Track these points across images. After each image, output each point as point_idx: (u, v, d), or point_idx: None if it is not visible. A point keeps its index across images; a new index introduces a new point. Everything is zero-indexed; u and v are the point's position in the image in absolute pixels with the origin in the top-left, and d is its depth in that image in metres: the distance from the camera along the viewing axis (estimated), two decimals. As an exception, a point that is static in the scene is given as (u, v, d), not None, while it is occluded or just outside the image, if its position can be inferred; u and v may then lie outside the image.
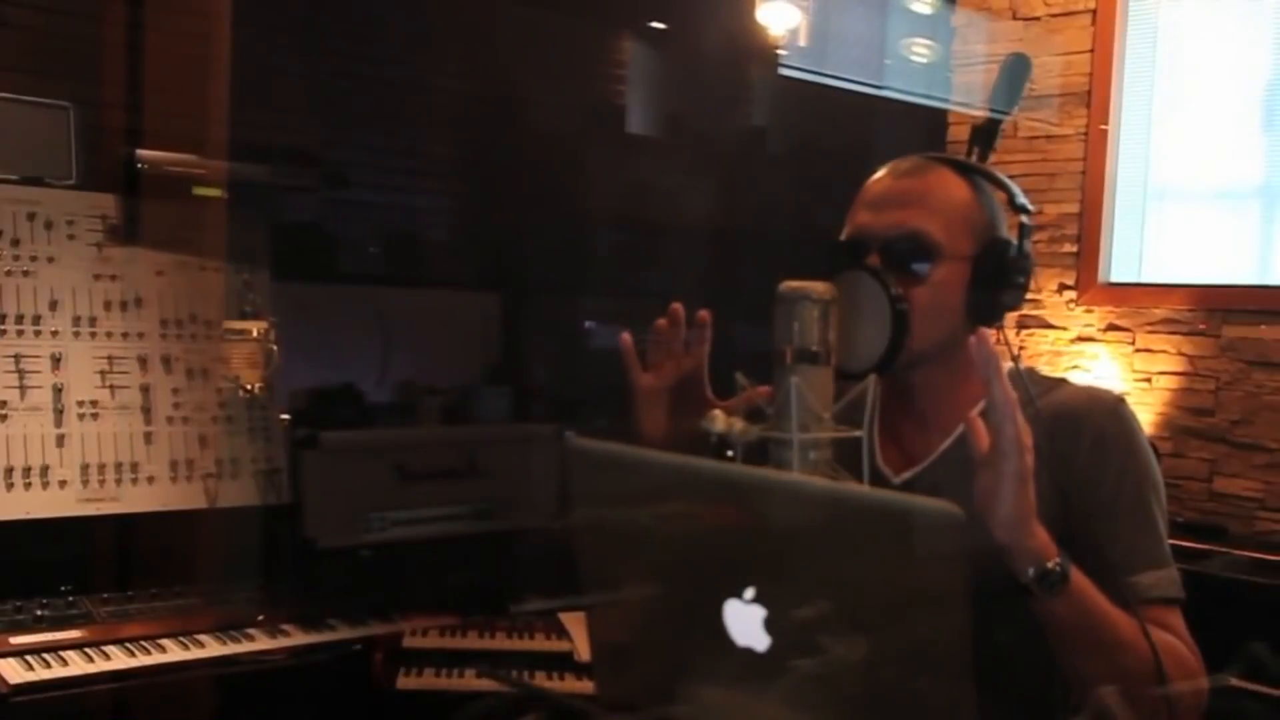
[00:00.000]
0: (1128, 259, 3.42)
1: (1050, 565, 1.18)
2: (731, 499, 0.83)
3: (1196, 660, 1.33)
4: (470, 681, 2.25)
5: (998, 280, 1.37)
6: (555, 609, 2.43)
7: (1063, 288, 3.40)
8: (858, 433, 1.14)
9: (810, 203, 3.04)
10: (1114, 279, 3.40)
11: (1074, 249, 3.40)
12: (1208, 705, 1.34)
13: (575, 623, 2.39)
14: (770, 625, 0.79)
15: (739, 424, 1.13)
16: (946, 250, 1.36)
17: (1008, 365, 1.36)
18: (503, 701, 1.73)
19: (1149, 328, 3.27)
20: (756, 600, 0.79)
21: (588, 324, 3.21)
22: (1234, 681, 2.28)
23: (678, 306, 1.45)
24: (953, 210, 1.39)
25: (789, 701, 0.78)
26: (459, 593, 2.43)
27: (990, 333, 1.46)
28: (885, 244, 1.36)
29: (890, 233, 1.37)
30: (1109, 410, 1.40)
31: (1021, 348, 1.38)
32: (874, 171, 1.46)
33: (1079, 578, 1.22)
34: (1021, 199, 1.42)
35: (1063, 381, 1.47)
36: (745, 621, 0.80)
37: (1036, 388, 1.42)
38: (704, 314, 1.45)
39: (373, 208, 2.89)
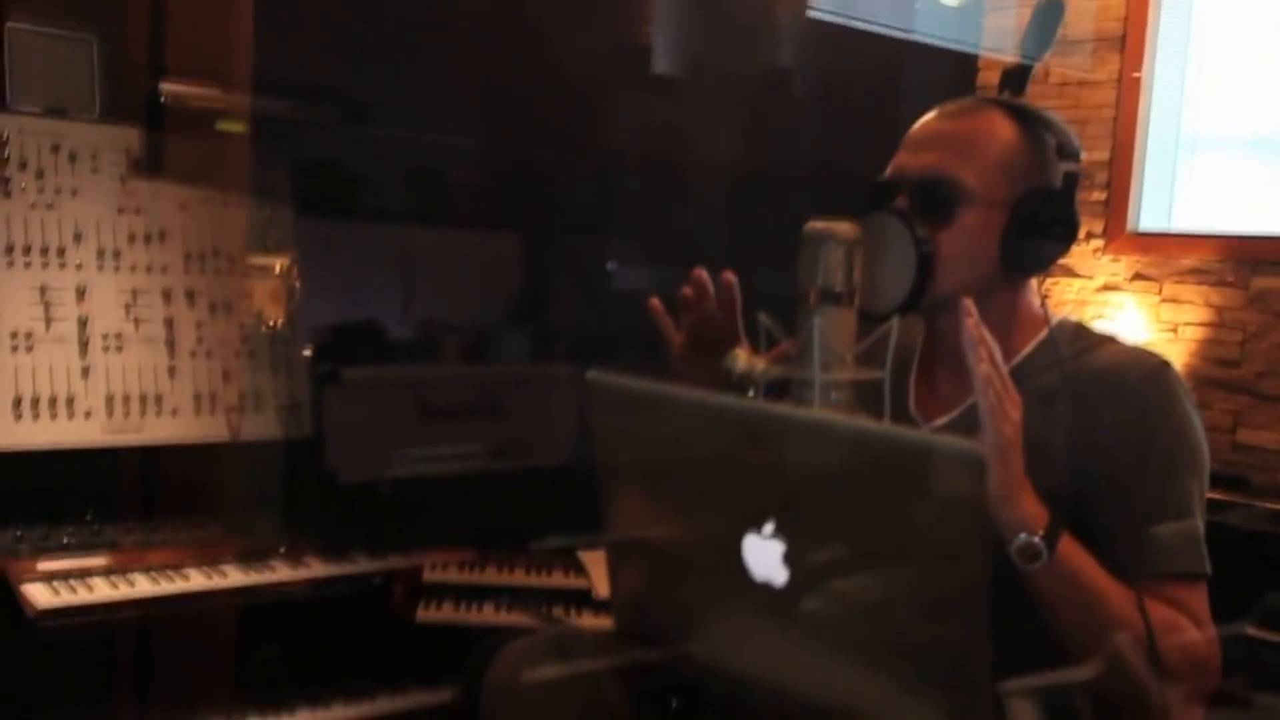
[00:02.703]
0: (1157, 208, 3.38)
1: (1032, 538, 1.17)
2: (752, 433, 0.83)
3: (1207, 644, 1.30)
4: (489, 615, 2.28)
5: (1036, 230, 1.34)
6: (573, 547, 2.44)
7: (1090, 236, 3.37)
8: (879, 374, 1.14)
9: (836, 146, 3.02)
10: (1143, 228, 3.36)
11: (1103, 197, 3.36)
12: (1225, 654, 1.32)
13: (593, 561, 2.40)
14: (789, 560, 0.79)
15: (760, 363, 1.13)
16: (979, 196, 1.33)
17: (1056, 319, 1.34)
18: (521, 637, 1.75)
19: (1176, 278, 3.24)
20: (776, 535, 0.80)
21: (610, 265, 3.20)
22: (1250, 631, 2.29)
23: (700, 272, 1.43)
24: (992, 155, 1.36)
25: (805, 636, 0.78)
26: (478, 529, 2.45)
27: (1034, 284, 1.44)
28: (915, 186, 1.34)
29: (921, 175, 1.35)
30: (1149, 374, 1.36)
31: (1045, 296, 1.36)
32: (914, 114, 1.44)
33: (1069, 551, 1.21)
34: (1071, 146, 1.38)
35: (1110, 340, 1.43)
36: (764, 556, 0.81)
37: (1081, 344, 1.40)
38: (729, 276, 1.43)
39: (395, 145, 2.88)
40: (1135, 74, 3.30)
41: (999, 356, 1.16)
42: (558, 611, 2.30)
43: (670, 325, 1.45)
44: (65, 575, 1.95)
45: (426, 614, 2.27)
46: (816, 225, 1.13)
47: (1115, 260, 3.34)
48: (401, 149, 2.89)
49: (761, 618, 0.82)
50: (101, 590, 1.94)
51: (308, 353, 2.45)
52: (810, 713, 0.84)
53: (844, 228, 1.13)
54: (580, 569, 2.40)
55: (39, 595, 1.87)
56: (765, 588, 0.81)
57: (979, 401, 1.14)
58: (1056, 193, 1.36)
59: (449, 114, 2.95)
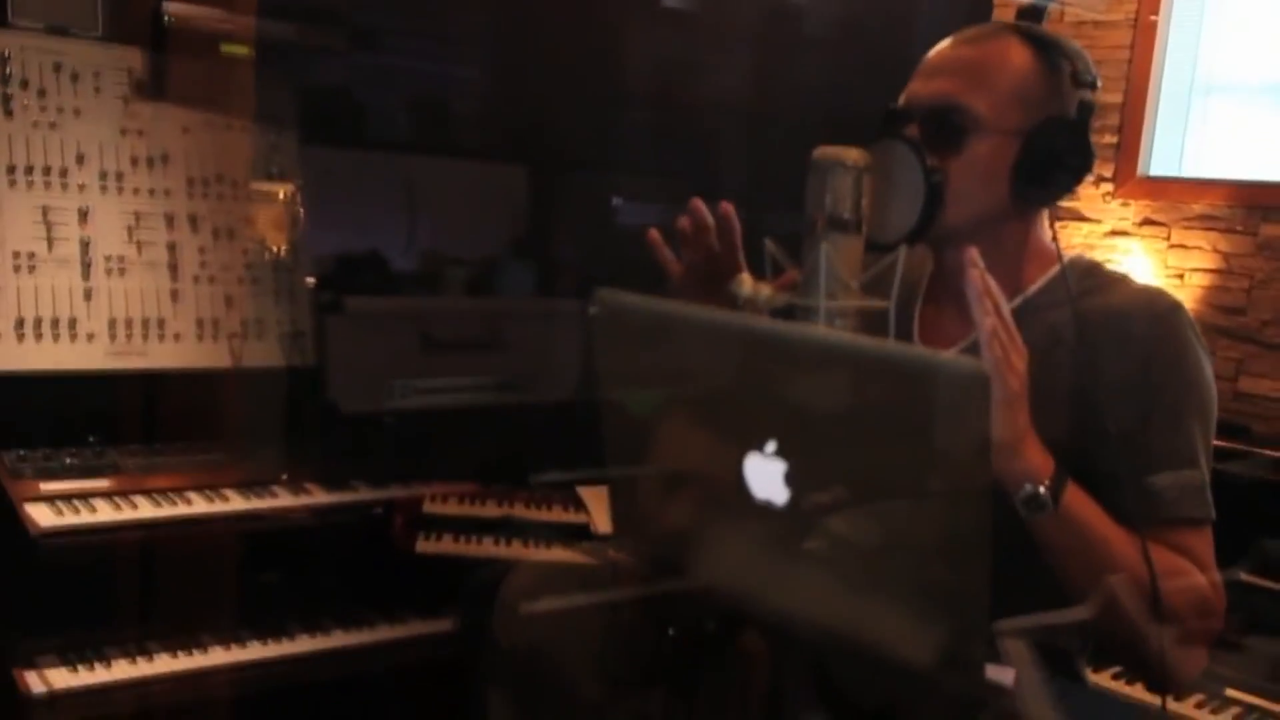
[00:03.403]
0: (1168, 153, 3.34)
1: (1037, 489, 1.17)
2: (758, 352, 0.82)
3: (1212, 589, 1.29)
4: (488, 548, 2.29)
5: (1050, 160, 1.31)
6: (573, 482, 2.45)
7: (1100, 180, 3.34)
8: (885, 303, 1.13)
9: (848, 84, 2.98)
10: (1153, 173, 3.33)
11: (1114, 140, 3.33)
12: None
13: (593, 497, 2.41)
14: (790, 480, 0.79)
15: (766, 289, 1.12)
16: (991, 124, 1.31)
17: (1069, 256, 1.32)
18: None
19: (1185, 223, 3.22)
20: (777, 454, 0.79)
21: (615, 201, 3.17)
22: (1245, 577, 2.30)
23: (697, 202, 1.41)
24: (1005, 82, 1.33)
25: (805, 558, 0.78)
26: (479, 462, 2.45)
27: (1046, 217, 1.41)
28: (926, 114, 1.32)
29: (932, 102, 1.32)
30: (1160, 314, 1.33)
31: (1057, 232, 1.35)
32: (928, 46, 1.41)
33: (1075, 500, 1.20)
34: (1088, 74, 1.35)
35: (1122, 280, 1.41)
36: (765, 476, 0.80)
37: (1092, 281, 1.38)
38: (726, 206, 1.41)
39: (402, 74, 2.84)
40: (1152, 16, 3.26)
41: (1005, 308, 1.14)
42: (557, 546, 2.31)
43: (669, 257, 1.44)
44: (68, 496, 1.96)
45: (426, 545, 2.28)
46: (826, 150, 1.12)
47: (1124, 205, 3.32)
48: (408, 78, 2.85)
49: (761, 539, 0.82)
50: (104, 512, 1.94)
51: (311, 281, 2.44)
52: (809, 636, 0.85)
53: (853, 154, 1.12)
54: (580, 505, 2.41)
55: (42, 515, 1.88)
56: (766, 509, 0.80)
57: (984, 354, 1.12)
58: (1071, 122, 1.33)
59: (457, 44, 2.91)
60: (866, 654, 0.77)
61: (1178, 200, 3.23)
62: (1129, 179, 3.32)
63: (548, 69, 2.97)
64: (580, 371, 2.68)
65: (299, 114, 2.41)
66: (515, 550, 2.30)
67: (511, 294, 2.86)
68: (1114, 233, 3.33)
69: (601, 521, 2.34)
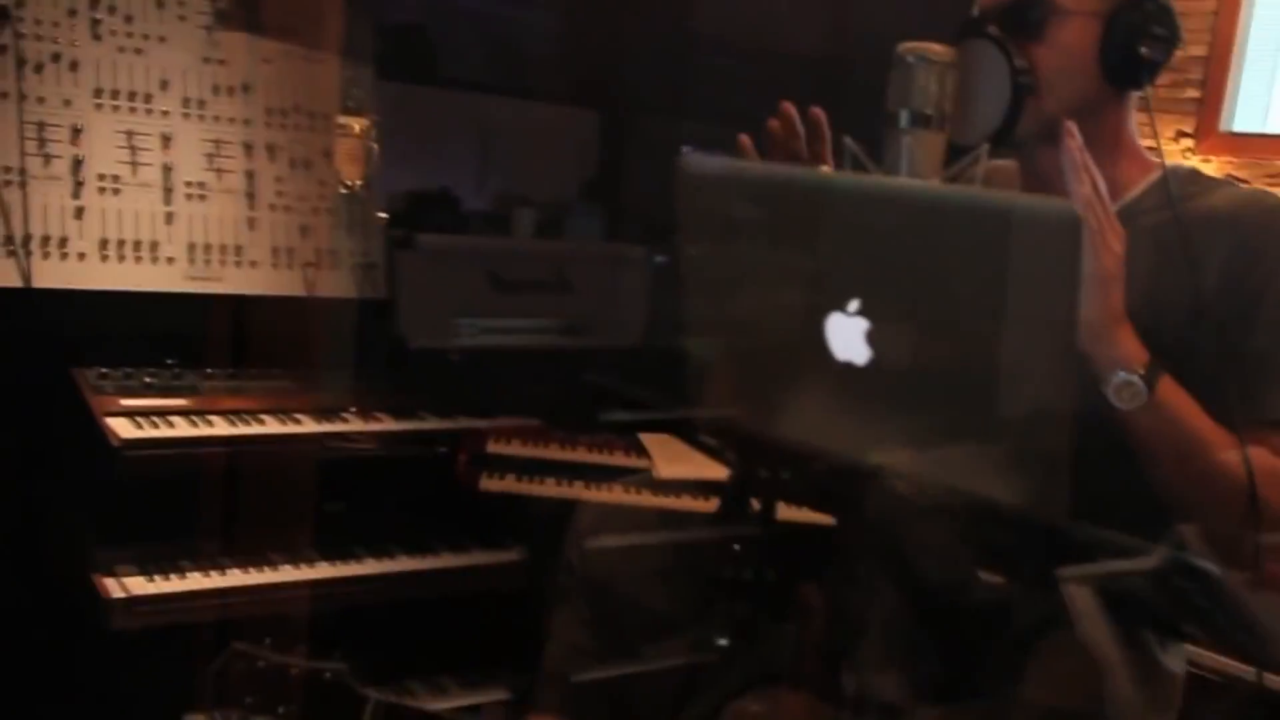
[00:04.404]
0: (1253, 110, 3.27)
1: (1131, 377, 1.14)
2: (839, 206, 0.82)
3: None
4: (549, 489, 2.30)
5: (1136, 36, 1.29)
6: (635, 427, 2.46)
7: (1180, 135, 3.27)
8: (967, 197, 1.11)
9: (922, 34, 2.94)
10: (1236, 129, 3.26)
11: (1197, 95, 3.26)
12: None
13: (654, 442, 2.42)
14: (873, 338, 0.79)
15: (846, 182, 1.11)
16: (1071, 7, 1.29)
17: (1171, 164, 1.29)
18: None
19: (1268, 179, 3.15)
20: (860, 312, 0.79)
21: (685, 149, 3.17)
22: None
23: (788, 106, 1.41)
24: None
25: (891, 412, 0.78)
26: (543, 404, 2.47)
27: (1135, 122, 1.39)
28: (1005, 10, 1.30)
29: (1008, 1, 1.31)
30: (1266, 210, 1.31)
31: (1150, 150, 1.34)
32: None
33: (1170, 392, 1.17)
34: None
35: (1226, 183, 1.39)
36: (847, 335, 0.80)
37: (1195, 186, 1.36)
38: (816, 111, 1.41)
39: (478, 15, 2.86)
40: (1241, -31, 3.19)
41: (1101, 183, 1.13)
42: (616, 489, 2.32)
43: (758, 159, 1.43)
44: (147, 413, 2.00)
45: (489, 484, 2.30)
46: (910, 45, 1.11)
47: (1206, 160, 3.25)
48: (484, 19, 2.87)
49: (844, 397, 0.82)
50: (181, 428, 1.99)
51: (383, 216, 2.47)
52: (897, 490, 0.85)
53: (938, 49, 1.11)
54: (641, 450, 2.42)
55: (122, 428, 1.93)
56: (849, 368, 0.80)
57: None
58: None
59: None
60: (955, 502, 0.76)
61: (1260, 156, 3.17)
62: (1211, 134, 3.26)
63: (622, 13, 2.97)
64: (646, 317, 2.69)
65: (377, 49, 2.43)
66: (577, 491, 2.32)
67: (579, 237, 2.87)
68: (1193, 192, 3.27)
69: (662, 466, 2.34)
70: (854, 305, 0.80)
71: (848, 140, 1.16)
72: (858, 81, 2.94)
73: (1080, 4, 1.29)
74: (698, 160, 0.95)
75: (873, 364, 0.79)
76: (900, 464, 0.81)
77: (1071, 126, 1.12)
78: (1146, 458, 1.20)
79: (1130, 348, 1.15)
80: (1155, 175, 1.35)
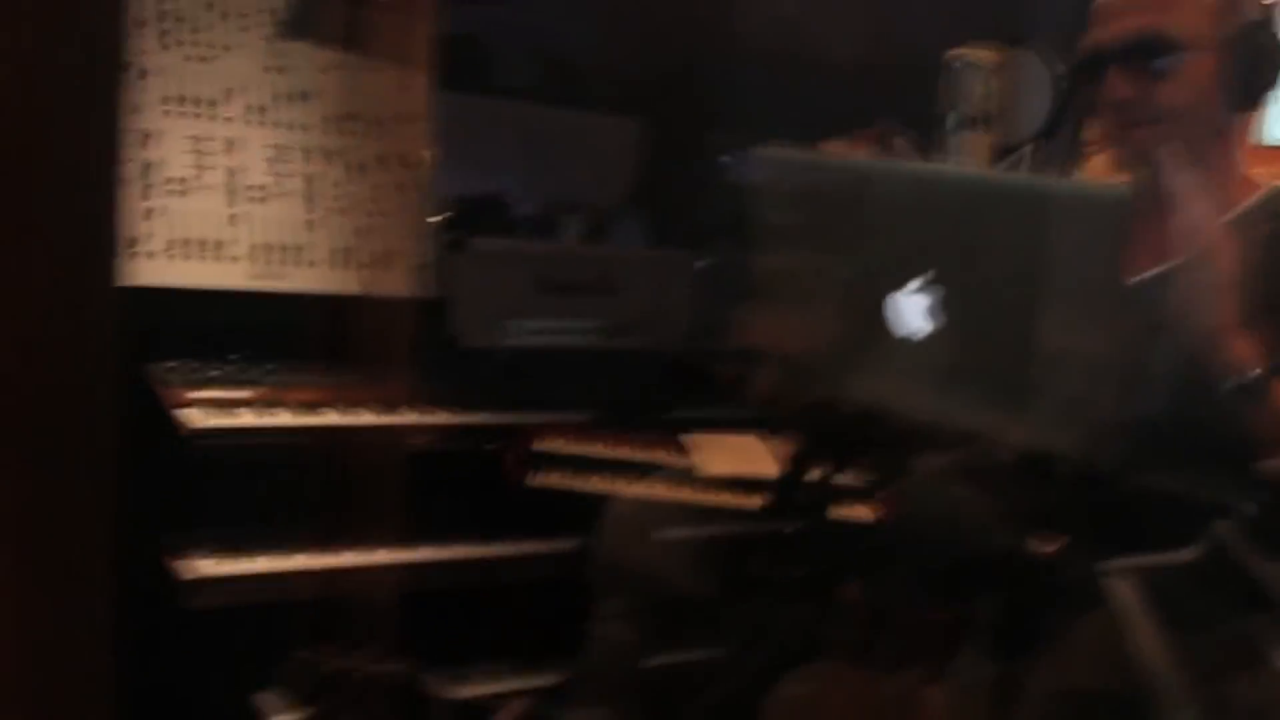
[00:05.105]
0: None
1: (1248, 377, 1.18)
2: (906, 191, 0.88)
3: None
4: (595, 484, 2.36)
5: (1251, 65, 1.35)
6: (677, 427, 2.51)
7: None
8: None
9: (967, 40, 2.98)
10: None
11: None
12: None
13: (698, 442, 2.47)
14: (935, 312, 0.84)
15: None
16: (1188, 42, 1.35)
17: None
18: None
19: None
20: (924, 289, 0.85)
21: (725, 158, 3.22)
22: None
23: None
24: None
25: (954, 378, 0.83)
26: (588, 403, 2.53)
27: (1240, 142, 1.44)
28: (1122, 53, 1.36)
29: (1127, 41, 1.36)
30: None
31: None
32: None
33: None
34: None
35: None
36: (912, 310, 0.86)
37: None
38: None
39: (528, 26, 2.93)
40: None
41: (1219, 200, 1.18)
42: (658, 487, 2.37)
43: None
44: (215, 404, 2.09)
45: (536, 478, 2.37)
46: (957, 51, 1.16)
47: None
48: (535, 30, 2.94)
49: (909, 370, 0.87)
50: (247, 418, 2.07)
51: (436, 219, 2.54)
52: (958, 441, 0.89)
53: (985, 54, 1.16)
54: (682, 449, 2.47)
55: (192, 417, 2.01)
56: (912, 341, 0.86)
57: (1192, 240, 1.15)
58: (1262, 20, 1.37)
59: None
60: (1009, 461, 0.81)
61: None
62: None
63: (668, 23, 3.02)
64: (688, 321, 2.75)
65: (432, 57, 2.50)
66: (620, 486, 2.37)
67: (624, 242, 2.93)
68: None
69: (705, 463, 2.39)
70: (918, 283, 0.85)
71: (899, 139, 1.22)
72: (901, 89, 2.99)
73: (1197, 39, 1.35)
74: (774, 151, 1.01)
75: (937, 335, 0.84)
76: (966, 423, 0.87)
77: (1187, 149, 1.17)
78: (1259, 451, 1.24)
79: (1245, 351, 1.19)
80: (1262, 192, 1.42)
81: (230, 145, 2.30)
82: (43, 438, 1.80)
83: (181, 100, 2.26)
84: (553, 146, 2.90)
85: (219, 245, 2.26)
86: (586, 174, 2.98)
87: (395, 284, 2.44)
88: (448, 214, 2.58)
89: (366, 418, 2.19)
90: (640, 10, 3.06)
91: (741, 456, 2.37)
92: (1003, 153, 1.23)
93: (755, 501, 2.17)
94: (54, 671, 1.04)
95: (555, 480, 2.38)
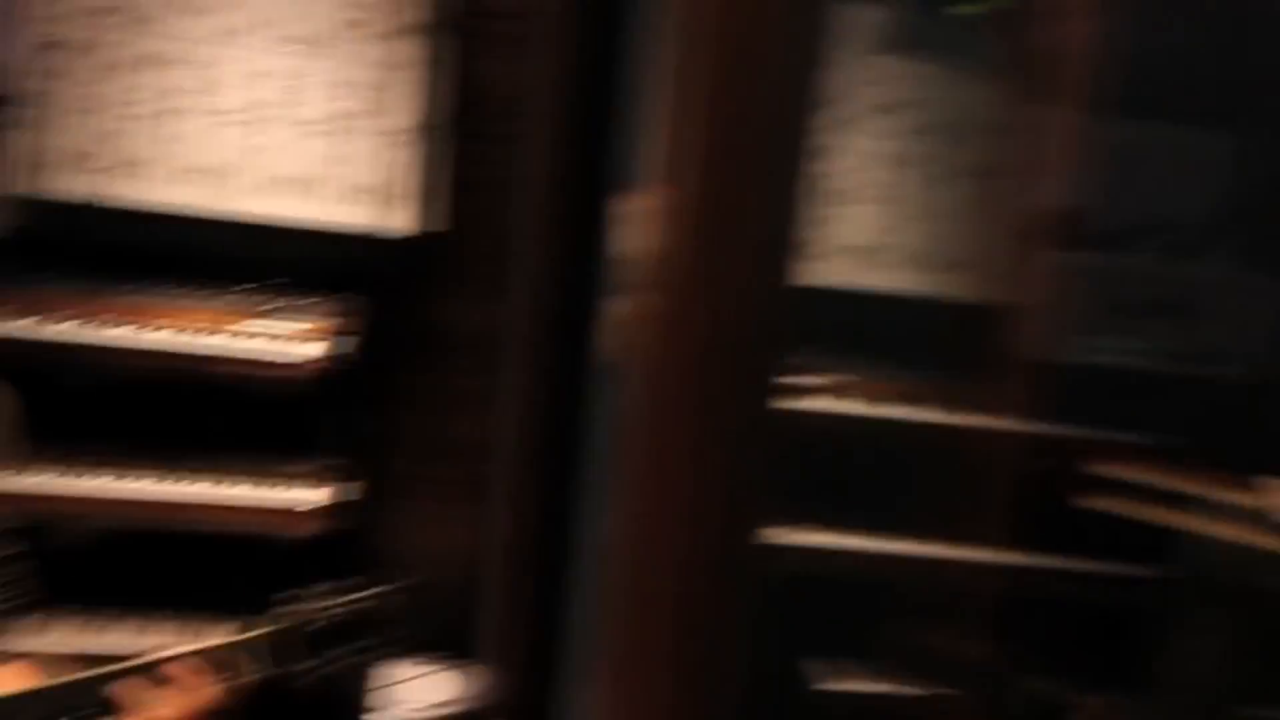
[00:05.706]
0: None
1: None
2: None
3: None
4: (1158, 515, 2.26)
5: None
6: (1255, 469, 2.35)
7: None
8: None
9: None
10: None
11: None
12: None
13: (1274, 486, 2.29)
14: None
15: None
16: None
17: None
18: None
19: None
20: None
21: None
22: None
23: None
24: None
25: None
26: (1149, 429, 2.42)
27: None
28: None
29: None
30: None
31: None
32: None
33: None
34: None
35: None
36: None
37: None
38: None
39: (1107, 40, 2.86)
40: None
41: None
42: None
43: None
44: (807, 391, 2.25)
45: (1093, 502, 2.31)
46: None
47: None
48: (1114, 43, 2.86)
49: None
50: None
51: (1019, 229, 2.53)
52: None
53: None
54: (1253, 489, 2.30)
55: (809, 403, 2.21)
56: None
57: None
58: None
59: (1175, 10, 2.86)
60: None
61: None
62: None
63: (1259, 32, 2.82)
64: (1272, 352, 2.56)
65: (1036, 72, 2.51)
66: (1186, 522, 2.26)
67: (1211, 264, 2.77)
68: None
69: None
70: None
71: None
72: None
73: None
74: None
75: None
76: None
77: None
78: None
79: None
80: None
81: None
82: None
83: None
84: (1137, 160, 2.80)
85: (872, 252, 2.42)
86: (1172, 190, 2.85)
87: (971, 289, 2.48)
88: (1029, 225, 2.57)
89: (964, 418, 2.26)
90: (1236, 14, 2.88)
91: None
92: None
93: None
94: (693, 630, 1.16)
95: (1116, 505, 2.32)
